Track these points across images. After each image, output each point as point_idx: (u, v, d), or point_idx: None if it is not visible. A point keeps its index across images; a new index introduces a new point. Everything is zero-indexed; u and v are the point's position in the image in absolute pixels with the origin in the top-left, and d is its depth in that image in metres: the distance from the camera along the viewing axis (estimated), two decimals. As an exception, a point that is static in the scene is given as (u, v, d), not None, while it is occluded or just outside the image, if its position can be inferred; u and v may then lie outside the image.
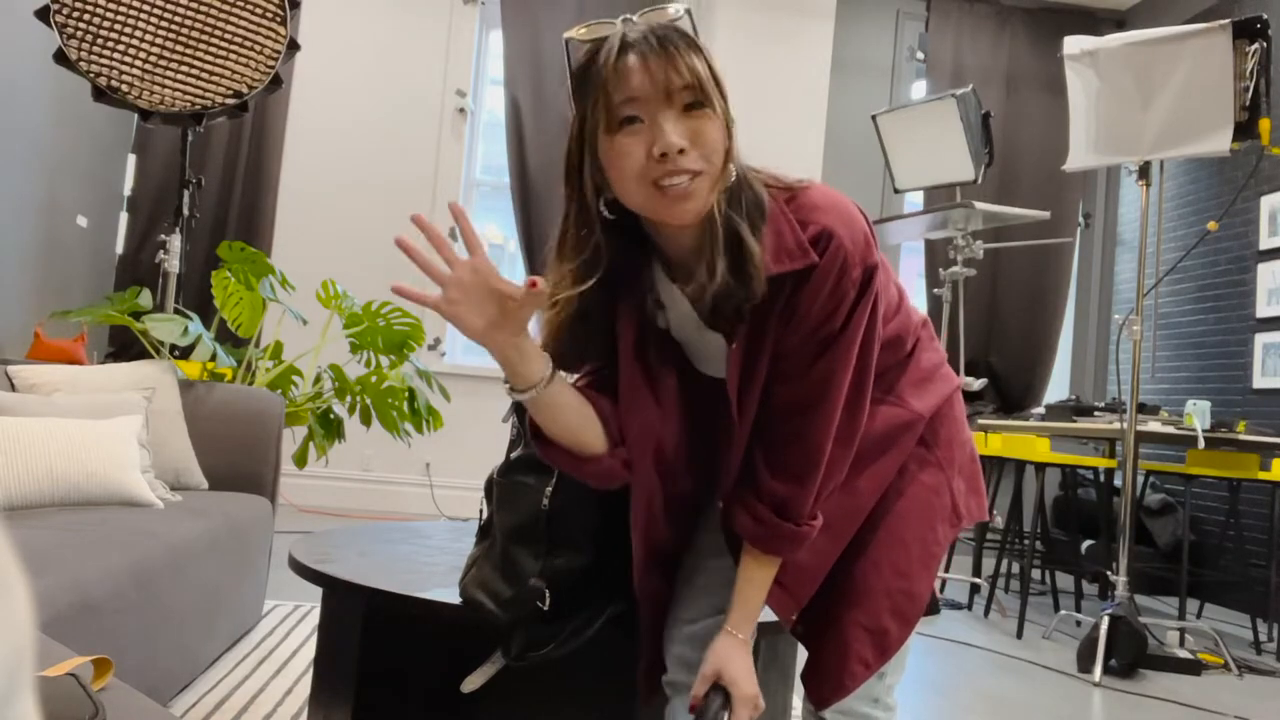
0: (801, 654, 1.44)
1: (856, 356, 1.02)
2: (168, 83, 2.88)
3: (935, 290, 4.20)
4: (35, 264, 3.94)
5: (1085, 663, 2.84)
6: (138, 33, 2.84)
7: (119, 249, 4.77)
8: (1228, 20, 2.81)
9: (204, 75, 2.91)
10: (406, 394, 3.33)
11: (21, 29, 3.51)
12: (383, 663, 1.34)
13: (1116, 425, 3.34)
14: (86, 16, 2.79)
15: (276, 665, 2.19)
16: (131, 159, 4.82)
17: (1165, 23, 4.68)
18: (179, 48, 2.88)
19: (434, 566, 1.45)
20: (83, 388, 2.28)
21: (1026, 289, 5.30)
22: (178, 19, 2.88)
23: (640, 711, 1.31)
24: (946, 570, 3.91)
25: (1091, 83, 3.06)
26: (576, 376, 1.16)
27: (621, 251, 1.05)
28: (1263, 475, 3.43)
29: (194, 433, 2.45)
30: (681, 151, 0.94)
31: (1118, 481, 4.18)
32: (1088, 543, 4.40)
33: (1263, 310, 4.19)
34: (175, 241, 3.05)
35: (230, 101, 2.93)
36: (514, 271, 5.30)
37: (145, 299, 3.20)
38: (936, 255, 5.06)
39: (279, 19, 2.99)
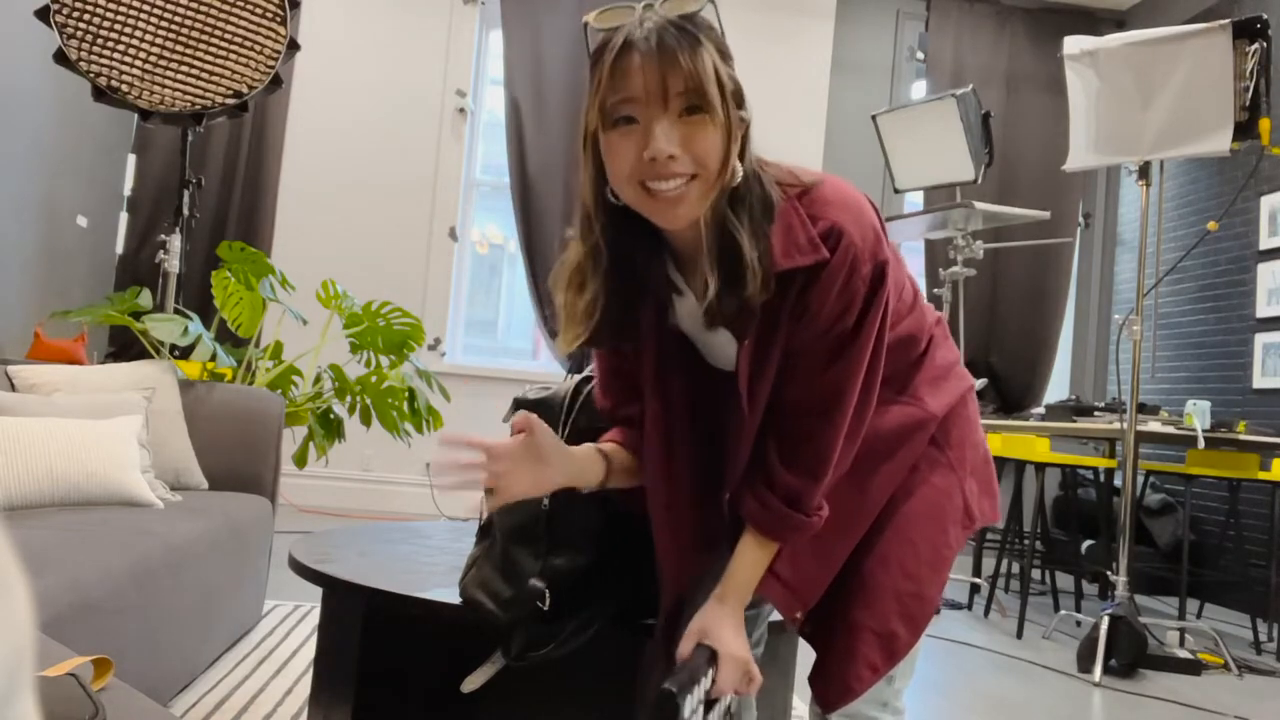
0: (803, 655, 1.44)
1: (869, 357, 1.03)
2: (168, 83, 2.88)
3: (935, 290, 4.20)
4: (35, 264, 3.94)
5: (1085, 663, 2.84)
6: (138, 33, 2.84)
7: (119, 249, 4.77)
8: (1228, 20, 2.80)
9: (204, 75, 2.91)
10: (406, 394, 3.33)
11: (21, 29, 3.51)
12: (383, 663, 1.34)
13: (1116, 425, 3.34)
14: (86, 16, 2.79)
15: (276, 665, 2.19)
16: (131, 159, 4.82)
17: (1165, 23, 4.68)
18: (179, 48, 2.88)
19: (434, 566, 1.45)
20: (83, 388, 2.28)
21: (1026, 289, 5.30)
22: (178, 19, 2.88)
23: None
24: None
25: (1091, 83, 3.06)
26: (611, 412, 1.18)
27: (634, 237, 1.04)
28: (1263, 475, 3.43)
29: (194, 433, 2.44)
30: (672, 157, 0.93)
31: (1118, 481, 4.18)
32: (1088, 543, 4.40)
33: (1263, 310, 4.19)
34: (175, 241, 3.05)
35: (230, 101, 2.93)
36: (514, 271, 5.30)
37: (145, 299, 3.20)
38: (936, 255, 5.07)
39: (279, 19, 2.99)
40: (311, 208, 5.01)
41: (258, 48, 2.96)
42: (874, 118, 4.04)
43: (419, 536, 1.73)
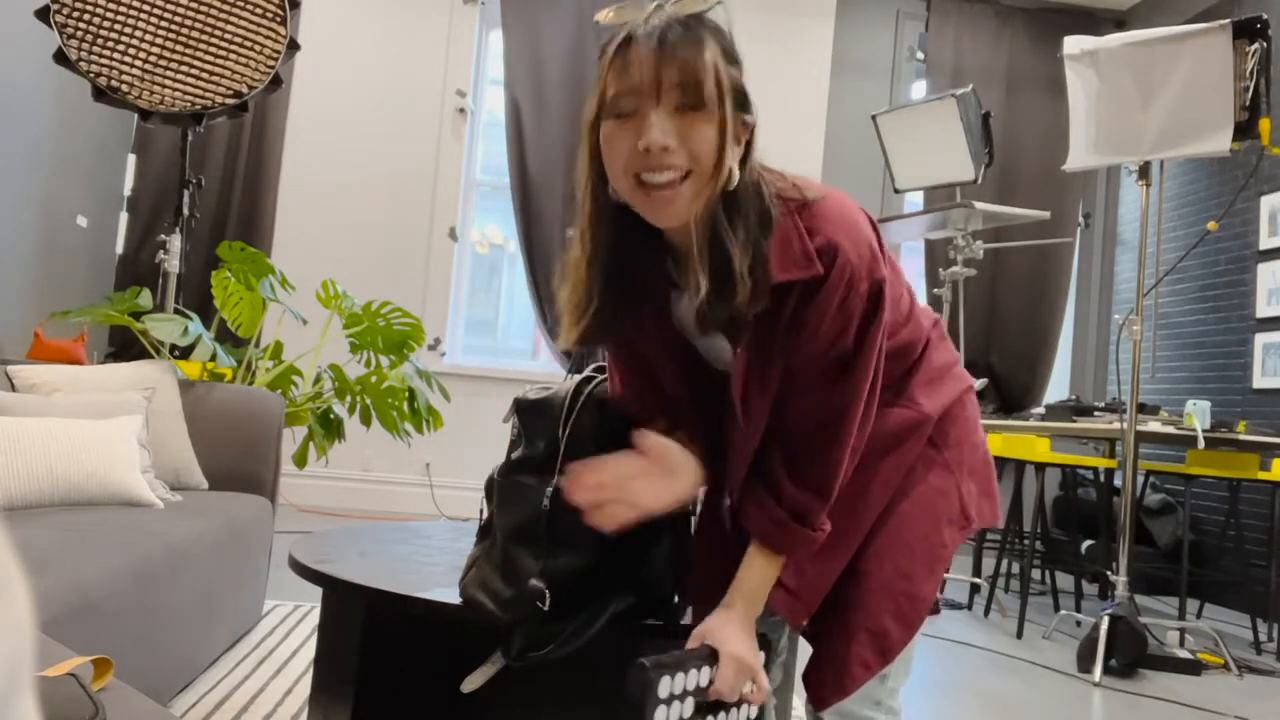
0: (804, 653, 1.44)
1: (871, 374, 1.04)
2: (168, 83, 2.88)
3: (935, 290, 4.20)
4: (35, 264, 3.94)
5: (1085, 663, 2.84)
6: (138, 33, 2.84)
7: (119, 249, 4.77)
8: (1228, 20, 2.80)
9: (204, 75, 2.91)
10: (406, 394, 3.33)
11: (21, 29, 3.51)
12: (383, 663, 1.34)
13: (1116, 425, 3.34)
14: (86, 16, 2.79)
15: (276, 665, 2.19)
16: (131, 159, 4.82)
17: (1165, 23, 4.68)
18: (179, 48, 2.88)
19: (434, 566, 1.45)
20: (83, 388, 2.28)
21: (1026, 289, 5.30)
22: (178, 19, 2.88)
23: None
24: (946, 570, 3.90)
25: (1091, 83, 3.06)
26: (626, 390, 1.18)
27: (631, 232, 1.04)
28: (1263, 475, 3.43)
29: (194, 433, 2.44)
30: (666, 149, 0.93)
31: (1118, 481, 4.18)
32: (1088, 543, 4.40)
33: (1263, 310, 4.19)
34: (175, 241, 3.05)
35: (230, 101, 2.93)
36: (514, 271, 5.30)
37: (145, 299, 3.20)
38: (936, 255, 5.07)
39: (279, 19, 2.99)
40: (311, 208, 5.01)
41: (258, 48, 2.96)
42: (874, 118, 4.05)
43: (419, 536, 1.73)
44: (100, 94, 2.83)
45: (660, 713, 0.96)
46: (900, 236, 4.46)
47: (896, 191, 4.15)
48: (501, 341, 5.35)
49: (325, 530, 1.70)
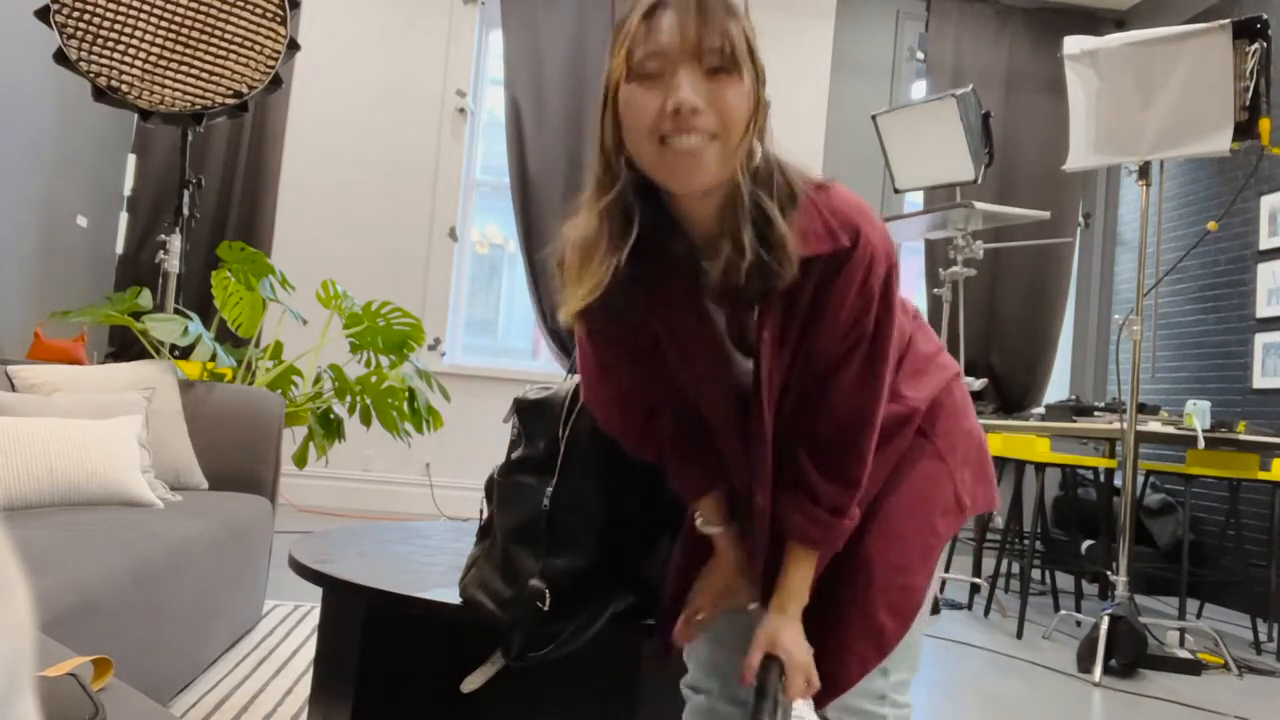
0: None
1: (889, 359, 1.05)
2: (168, 83, 2.87)
3: (935, 290, 4.20)
4: (35, 264, 3.94)
5: (1085, 663, 2.84)
6: (138, 33, 2.84)
7: (119, 249, 4.77)
8: (1228, 20, 2.80)
9: (204, 75, 2.91)
10: (406, 394, 3.33)
11: (21, 29, 3.51)
12: (383, 663, 1.34)
13: (1116, 425, 3.34)
14: (86, 16, 2.79)
15: (276, 665, 2.19)
16: (131, 159, 4.82)
17: (1165, 23, 4.68)
18: (179, 48, 2.88)
19: (434, 566, 1.45)
20: (83, 388, 2.28)
21: (1026, 289, 5.30)
22: (178, 19, 2.88)
23: (641, 711, 1.31)
24: (946, 570, 3.91)
25: (1091, 83, 3.06)
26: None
27: (650, 206, 1.00)
28: (1263, 475, 3.43)
29: (194, 433, 2.44)
30: (695, 110, 0.91)
31: (1118, 481, 4.18)
32: (1088, 543, 4.40)
33: (1263, 310, 4.19)
34: (175, 241, 3.05)
35: (230, 101, 2.93)
36: (514, 271, 5.30)
37: (145, 299, 3.20)
38: (936, 255, 5.06)
39: (279, 19, 2.99)
40: (311, 208, 5.01)
41: (258, 48, 2.96)
42: (874, 118, 4.04)
43: (419, 536, 1.73)
44: (100, 94, 2.83)
45: None
46: (900, 236, 4.45)
47: (896, 191, 4.15)
48: (501, 341, 5.35)
49: (325, 530, 1.70)
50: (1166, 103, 2.91)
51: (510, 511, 1.24)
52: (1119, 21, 5.50)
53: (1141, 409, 3.36)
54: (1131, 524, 2.97)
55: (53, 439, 1.89)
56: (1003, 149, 5.11)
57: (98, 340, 4.56)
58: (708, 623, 1.16)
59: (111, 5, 2.81)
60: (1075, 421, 3.63)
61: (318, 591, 2.43)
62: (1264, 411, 4.10)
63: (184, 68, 2.89)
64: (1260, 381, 4.16)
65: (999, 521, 4.37)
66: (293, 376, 3.39)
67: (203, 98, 2.91)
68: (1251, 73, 2.78)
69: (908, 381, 1.14)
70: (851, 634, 1.08)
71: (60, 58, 2.80)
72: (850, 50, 5.38)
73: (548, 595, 1.16)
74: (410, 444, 4.22)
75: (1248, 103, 2.80)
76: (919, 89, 5.46)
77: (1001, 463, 3.90)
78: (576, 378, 1.27)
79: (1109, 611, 2.85)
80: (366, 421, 3.35)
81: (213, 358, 2.83)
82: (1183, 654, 2.96)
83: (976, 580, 3.77)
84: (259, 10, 2.96)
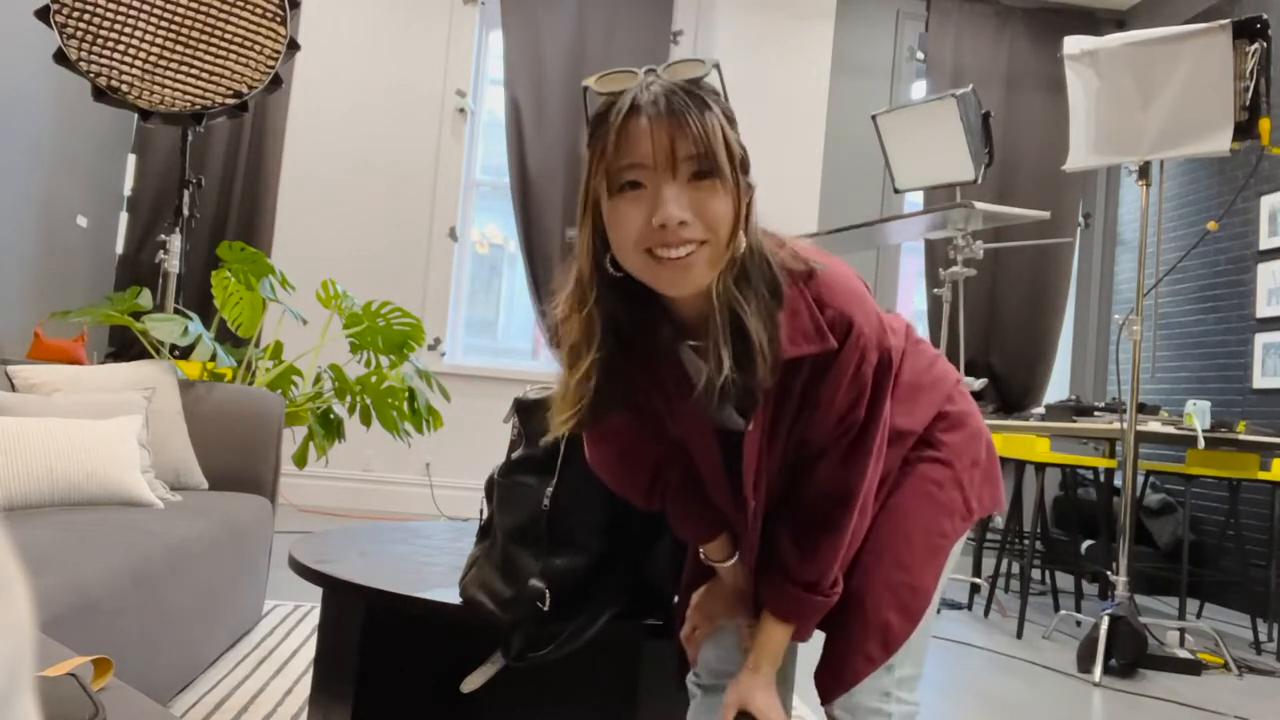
0: (803, 653, 1.44)
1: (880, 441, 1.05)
2: (168, 83, 2.87)
3: (935, 290, 4.19)
4: (35, 264, 3.94)
5: (1085, 663, 2.84)
6: (138, 33, 2.84)
7: (119, 249, 4.77)
8: (1228, 20, 2.80)
9: (204, 75, 2.91)
10: (406, 394, 3.33)
11: (21, 29, 3.51)
12: (383, 663, 1.34)
13: (1116, 425, 3.34)
14: (86, 16, 2.79)
15: (276, 665, 2.19)
16: (131, 159, 4.82)
17: (1165, 23, 4.68)
18: (179, 48, 2.88)
19: (434, 566, 1.45)
20: (83, 388, 2.28)
21: (1026, 289, 5.30)
22: (178, 19, 2.88)
23: (641, 711, 1.32)
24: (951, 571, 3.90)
25: (1091, 83, 3.06)
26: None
27: (635, 305, 1.00)
28: (1263, 475, 3.43)
29: (194, 433, 2.44)
30: (683, 224, 0.90)
31: (1118, 481, 4.18)
32: (1088, 543, 4.40)
33: (1263, 310, 4.19)
34: (175, 241, 3.05)
35: (230, 101, 2.93)
36: (514, 271, 5.30)
37: (145, 299, 3.20)
38: (936, 255, 5.06)
39: (279, 19, 2.99)
40: (311, 208, 5.01)
41: (258, 48, 2.96)
42: (874, 118, 4.04)
43: (419, 536, 1.73)
44: (100, 94, 2.83)
45: None
46: (900, 236, 4.45)
47: (896, 191, 4.15)
48: (501, 341, 5.35)
49: (325, 530, 1.70)
50: (1166, 103, 2.91)
51: (510, 511, 1.24)
52: (1119, 21, 5.50)
53: (1141, 409, 3.36)
54: (1131, 524, 2.97)
55: (53, 439, 1.89)
56: (1003, 149, 5.11)
57: (98, 340, 4.56)
58: (704, 636, 1.19)
59: (111, 5, 2.81)
60: (1075, 421, 3.63)
61: (318, 591, 2.43)
62: (1264, 411, 4.10)
63: (184, 68, 2.89)
64: (1260, 381, 4.16)
65: (999, 521, 4.37)
66: (293, 376, 3.39)
67: (203, 98, 2.91)
68: (1251, 73, 2.78)
69: (900, 410, 1.14)
70: (858, 632, 1.09)
71: (60, 58, 2.80)
72: (850, 50, 5.38)
73: (548, 595, 1.16)
74: (410, 444, 4.22)
75: (1248, 103, 2.80)
76: (919, 89, 5.46)
77: (1001, 463, 3.88)
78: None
79: (1109, 611, 2.85)
80: (366, 421, 3.35)
81: (213, 358, 2.83)
82: (1183, 654, 2.96)
83: (976, 580, 3.77)
84: (259, 10, 2.96)
